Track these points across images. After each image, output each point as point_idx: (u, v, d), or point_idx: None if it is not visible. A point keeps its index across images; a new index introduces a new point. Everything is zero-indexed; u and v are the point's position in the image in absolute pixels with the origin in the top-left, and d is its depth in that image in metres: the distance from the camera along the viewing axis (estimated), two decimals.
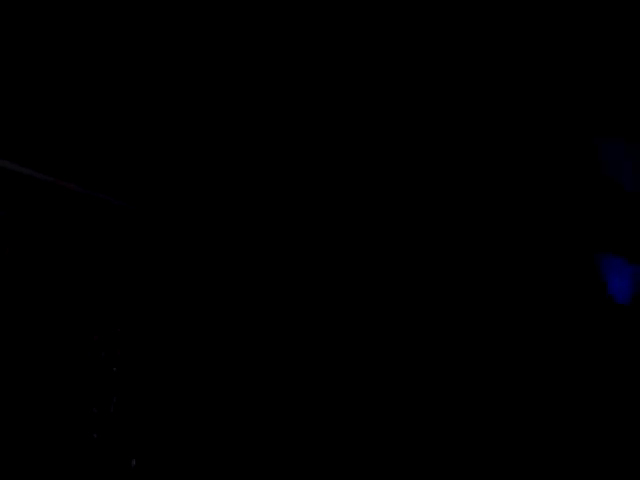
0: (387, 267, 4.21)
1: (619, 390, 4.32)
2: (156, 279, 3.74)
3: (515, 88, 2.96)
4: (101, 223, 3.51)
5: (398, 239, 4.04)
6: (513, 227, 3.94)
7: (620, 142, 3.16)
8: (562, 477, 4.31)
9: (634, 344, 4.23)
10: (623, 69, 2.79)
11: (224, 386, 3.84)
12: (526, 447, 4.36)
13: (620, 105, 2.97)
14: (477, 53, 2.83)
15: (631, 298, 4.13)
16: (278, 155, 3.50)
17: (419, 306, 4.38)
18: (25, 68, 2.97)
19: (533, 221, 3.87)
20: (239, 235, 3.93)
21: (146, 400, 3.58)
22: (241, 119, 3.29)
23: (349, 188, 3.77)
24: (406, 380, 4.35)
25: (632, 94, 2.90)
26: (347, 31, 2.79)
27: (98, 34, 2.85)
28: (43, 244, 3.41)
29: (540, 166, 3.48)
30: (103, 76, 3.03)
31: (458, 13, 2.65)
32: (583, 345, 4.39)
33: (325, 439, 4.09)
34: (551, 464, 4.34)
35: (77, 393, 3.39)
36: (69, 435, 3.31)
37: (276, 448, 3.92)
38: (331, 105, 3.23)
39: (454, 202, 3.80)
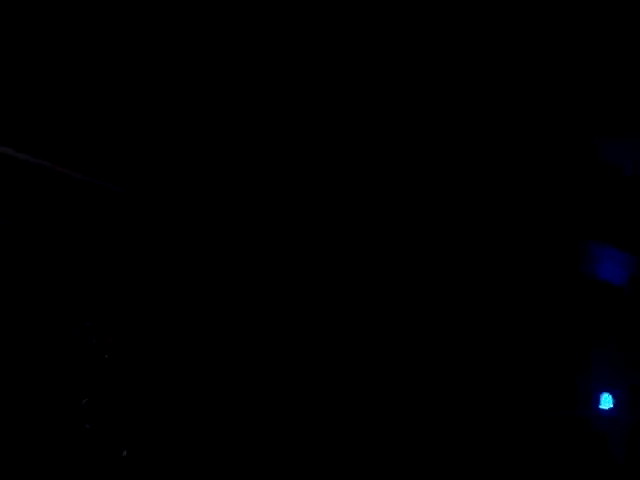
0: (375, 245, 4.21)
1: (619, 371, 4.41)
2: (154, 267, 3.71)
3: (509, 75, 2.97)
4: (101, 210, 3.47)
5: (387, 217, 4.04)
6: (509, 215, 3.96)
7: (619, 130, 3.19)
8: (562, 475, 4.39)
9: (630, 323, 4.32)
10: (620, 57, 2.81)
11: (217, 376, 3.82)
12: (523, 440, 4.43)
13: (619, 96, 3.00)
14: (477, 53, 2.85)
15: (627, 281, 4.19)
16: (280, 148, 3.49)
17: (414, 296, 4.41)
18: (23, 56, 2.92)
19: (529, 208, 3.90)
20: (237, 224, 3.91)
21: (138, 389, 3.56)
22: (243, 109, 3.28)
23: (349, 188, 3.77)
24: (405, 377, 4.36)
25: (630, 88, 2.93)
26: (347, 31, 2.79)
27: (96, 21, 2.81)
28: (41, 230, 3.37)
29: (536, 152, 3.50)
30: (103, 64, 2.99)
31: (458, 13, 2.66)
32: (576, 329, 4.47)
33: (322, 433, 4.09)
34: (551, 463, 4.42)
35: (68, 381, 3.36)
36: (61, 424, 3.28)
37: (269, 436, 3.92)
38: (331, 103, 3.22)
39: (451, 186, 3.82)
